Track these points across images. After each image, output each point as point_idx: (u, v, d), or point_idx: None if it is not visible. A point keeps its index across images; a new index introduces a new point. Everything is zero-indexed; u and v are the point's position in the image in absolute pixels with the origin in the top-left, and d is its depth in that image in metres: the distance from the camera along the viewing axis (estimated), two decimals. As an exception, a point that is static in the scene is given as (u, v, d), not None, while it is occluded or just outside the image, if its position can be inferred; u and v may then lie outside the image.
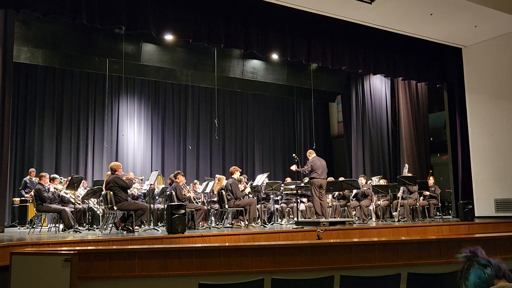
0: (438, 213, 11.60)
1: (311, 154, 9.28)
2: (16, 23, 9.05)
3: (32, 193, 8.80)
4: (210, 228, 8.79)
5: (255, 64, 12.87)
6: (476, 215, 10.36)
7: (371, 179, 11.41)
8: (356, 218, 10.31)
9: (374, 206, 10.88)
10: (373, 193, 10.58)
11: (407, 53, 11.55)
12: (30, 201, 9.56)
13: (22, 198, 10.14)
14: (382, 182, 11.12)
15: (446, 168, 12.86)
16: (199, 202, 9.70)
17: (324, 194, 9.19)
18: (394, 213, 10.36)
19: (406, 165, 11.23)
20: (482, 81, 11.31)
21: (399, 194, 10.31)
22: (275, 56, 11.31)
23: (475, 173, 11.30)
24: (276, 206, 10.79)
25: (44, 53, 10.83)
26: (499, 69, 10.97)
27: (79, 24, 8.73)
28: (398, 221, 9.96)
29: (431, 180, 10.86)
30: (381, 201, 10.82)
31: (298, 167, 9.20)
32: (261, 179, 10.06)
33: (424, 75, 12.03)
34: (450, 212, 12.69)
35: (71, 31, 10.14)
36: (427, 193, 10.63)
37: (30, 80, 12.13)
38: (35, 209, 8.36)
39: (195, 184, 10.57)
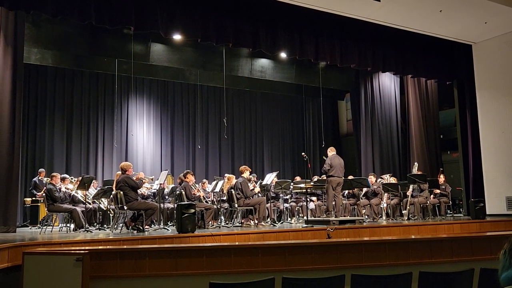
0: (449, 211, 11.51)
1: (331, 152, 9.24)
2: (26, 25, 9.12)
3: (43, 193, 8.87)
4: (219, 227, 8.80)
5: (263, 63, 12.87)
6: (487, 213, 10.26)
7: (382, 177, 11.35)
8: (366, 217, 10.26)
9: (386, 205, 10.82)
10: (383, 191, 10.52)
11: (416, 51, 11.47)
12: (42, 201, 9.64)
13: (33, 198, 10.23)
14: (393, 180, 11.06)
15: (456, 165, 12.77)
16: (209, 201, 9.71)
17: (340, 192, 9.18)
18: (404, 212, 10.30)
19: (416, 163, 11.16)
20: (493, 78, 11.21)
21: (409, 192, 10.24)
22: (283, 55, 11.29)
23: (486, 171, 11.20)
24: (286, 205, 10.77)
25: (54, 54, 10.91)
26: (510, 65, 10.85)
27: (88, 25, 8.78)
28: (408, 219, 9.91)
29: (441, 178, 10.79)
30: (391, 199, 10.75)
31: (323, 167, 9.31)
32: (270, 178, 10.05)
33: (433, 72, 11.95)
34: (461, 210, 12.60)
35: (80, 32, 10.20)
36: (438, 191, 10.56)
37: (40, 81, 12.22)
38: (46, 209, 8.42)
39: (204, 183, 10.59)
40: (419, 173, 10.45)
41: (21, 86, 8.59)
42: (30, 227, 10.05)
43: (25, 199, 10.73)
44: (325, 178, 9.39)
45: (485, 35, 11.13)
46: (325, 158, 9.48)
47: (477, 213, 9.48)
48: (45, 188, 8.73)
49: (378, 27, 10.44)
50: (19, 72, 8.44)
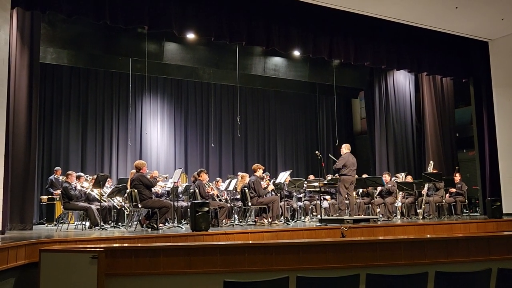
0: (465, 210, 11.37)
1: (346, 149, 9.19)
2: (42, 25, 9.22)
3: (59, 191, 8.97)
4: (233, 225, 8.81)
5: (276, 61, 12.85)
6: (504, 212, 10.11)
7: (396, 176, 11.26)
8: (381, 216, 10.19)
9: (400, 203, 10.73)
10: (397, 190, 10.44)
11: (431, 48, 11.35)
12: (58, 199, 9.75)
13: (49, 196, 10.35)
14: (409, 178, 10.96)
15: (472, 164, 12.61)
16: (222, 199, 9.73)
17: (352, 191, 9.13)
18: (419, 210, 10.21)
19: (431, 162, 11.05)
20: (510, 75, 11.05)
21: (424, 191, 10.14)
22: (296, 53, 11.24)
23: (503, 169, 11.06)
24: (299, 203, 10.75)
25: (69, 54, 11.03)
26: (528, 62, 10.70)
27: (103, 24, 8.85)
28: (423, 218, 9.82)
29: (457, 177, 10.66)
30: (406, 198, 10.65)
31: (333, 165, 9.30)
32: (283, 176, 10.03)
33: (449, 69, 11.81)
34: (477, 209, 12.45)
35: (95, 31, 10.29)
36: (454, 190, 10.43)
37: (56, 80, 12.36)
38: (62, 207, 8.52)
39: (217, 182, 10.62)
40: (434, 171, 10.34)
41: (37, 86, 8.69)
42: (46, 224, 10.17)
43: (41, 197, 10.86)
44: (338, 176, 9.35)
45: (502, 32, 10.97)
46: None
47: (493, 212, 9.34)
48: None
49: (392, 24, 10.34)
50: (35, 71, 8.54)
